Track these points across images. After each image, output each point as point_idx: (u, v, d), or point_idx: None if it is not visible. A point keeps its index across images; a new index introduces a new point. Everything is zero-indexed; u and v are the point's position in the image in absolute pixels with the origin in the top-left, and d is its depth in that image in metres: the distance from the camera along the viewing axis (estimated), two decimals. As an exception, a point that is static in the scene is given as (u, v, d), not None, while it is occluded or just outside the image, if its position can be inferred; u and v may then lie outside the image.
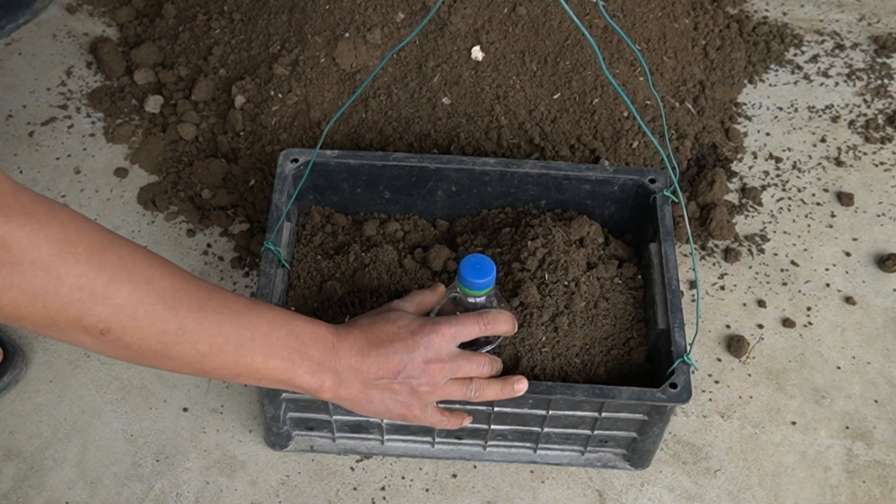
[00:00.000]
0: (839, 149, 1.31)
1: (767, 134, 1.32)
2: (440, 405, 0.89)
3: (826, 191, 1.26)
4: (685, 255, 1.18)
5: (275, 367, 0.77)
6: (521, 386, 0.88)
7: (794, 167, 1.28)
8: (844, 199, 1.25)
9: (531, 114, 1.20)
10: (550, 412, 0.93)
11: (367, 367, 0.81)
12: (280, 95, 1.23)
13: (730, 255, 1.19)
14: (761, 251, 1.20)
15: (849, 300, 1.16)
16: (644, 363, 0.98)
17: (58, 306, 0.65)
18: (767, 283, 1.17)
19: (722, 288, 1.17)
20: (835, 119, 1.34)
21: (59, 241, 0.64)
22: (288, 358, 0.78)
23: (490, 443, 1.00)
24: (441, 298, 0.91)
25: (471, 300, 0.87)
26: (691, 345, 0.92)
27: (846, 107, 1.35)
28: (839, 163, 1.29)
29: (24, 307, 0.64)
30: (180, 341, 0.71)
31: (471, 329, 0.86)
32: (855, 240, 1.22)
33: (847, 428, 1.06)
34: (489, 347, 0.91)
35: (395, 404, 0.84)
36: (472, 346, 0.89)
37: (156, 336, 0.70)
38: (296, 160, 1.05)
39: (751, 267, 1.19)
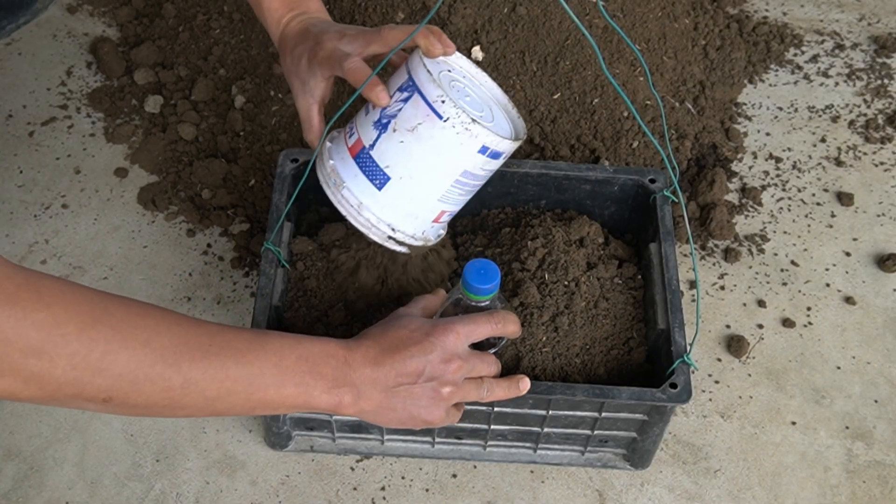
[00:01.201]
0: (839, 149, 1.31)
1: (767, 134, 1.32)
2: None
3: (826, 191, 1.26)
4: (685, 255, 1.18)
5: (289, 394, 0.77)
6: (524, 384, 0.88)
7: (794, 167, 1.28)
8: (844, 199, 1.25)
9: (531, 114, 1.20)
10: (550, 412, 0.93)
11: (385, 374, 0.80)
12: (280, 95, 1.23)
13: (730, 255, 1.19)
14: (761, 251, 1.20)
15: (849, 300, 1.16)
16: (644, 363, 0.98)
17: (54, 386, 0.65)
18: (767, 283, 1.17)
19: (722, 288, 1.17)
20: (835, 119, 1.34)
21: (46, 325, 0.63)
22: (301, 382, 0.77)
23: (490, 443, 1.00)
24: (443, 302, 0.91)
25: (475, 305, 0.87)
26: (691, 345, 0.92)
27: (846, 107, 1.35)
28: (839, 163, 1.29)
29: (19, 392, 0.64)
30: (187, 393, 0.71)
31: (484, 328, 0.86)
32: (855, 240, 1.22)
33: (847, 428, 1.06)
34: (492, 350, 0.91)
35: (419, 409, 0.83)
36: (476, 348, 0.89)
37: (161, 394, 0.70)
38: (296, 160, 1.05)
39: (751, 267, 1.19)
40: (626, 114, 1.20)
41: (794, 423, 1.07)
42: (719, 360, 1.11)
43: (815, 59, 1.41)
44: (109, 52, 1.35)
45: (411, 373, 0.81)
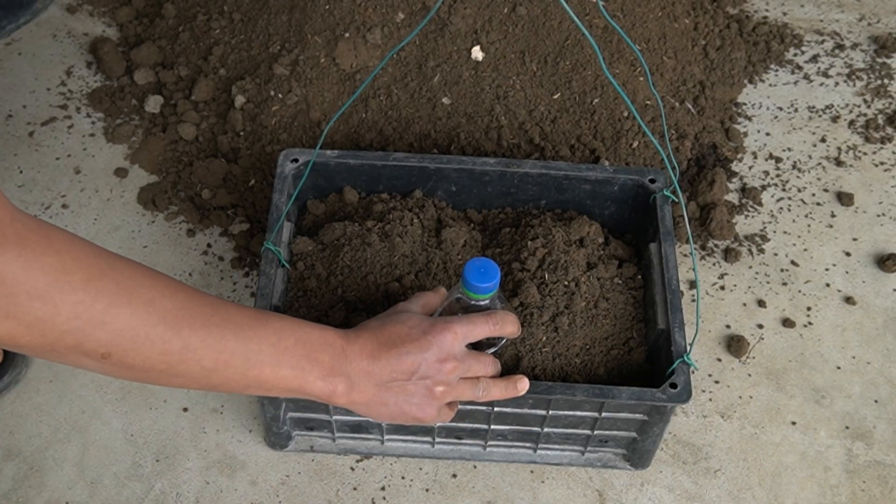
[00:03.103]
0: (839, 149, 1.31)
1: (767, 134, 1.32)
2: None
3: (826, 191, 1.26)
4: (685, 255, 1.18)
5: (284, 375, 0.77)
6: (523, 385, 0.88)
7: (794, 167, 1.28)
8: (844, 199, 1.25)
9: (531, 114, 1.20)
10: (550, 412, 0.93)
11: (380, 369, 0.81)
12: (280, 95, 1.23)
13: (730, 255, 1.19)
14: (761, 251, 1.20)
15: (849, 300, 1.16)
16: (644, 363, 0.98)
17: (56, 334, 0.65)
18: (767, 283, 1.17)
19: (722, 288, 1.17)
20: (835, 119, 1.34)
21: (54, 270, 0.63)
22: (297, 365, 0.77)
23: (490, 443, 1.00)
24: (443, 299, 0.91)
25: (474, 303, 0.87)
26: (691, 345, 0.92)
27: (846, 107, 1.35)
28: (839, 163, 1.29)
29: (21, 336, 0.64)
30: (185, 359, 0.71)
31: (481, 329, 0.86)
32: (855, 240, 1.22)
33: (847, 428, 1.06)
34: (492, 350, 0.91)
35: (410, 406, 0.83)
36: (475, 347, 0.89)
37: (159, 356, 0.70)
38: (296, 160, 1.05)
39: (751, 267, 1.19)
40: (626, 114, 1.20)
41: (794, 423, 1.07)
42: (719, 360, 1.11)
43: (815, 59, 1.41)
44: (109, 52, 1.35)
45: (406, 370, 0.81)
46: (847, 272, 1.19)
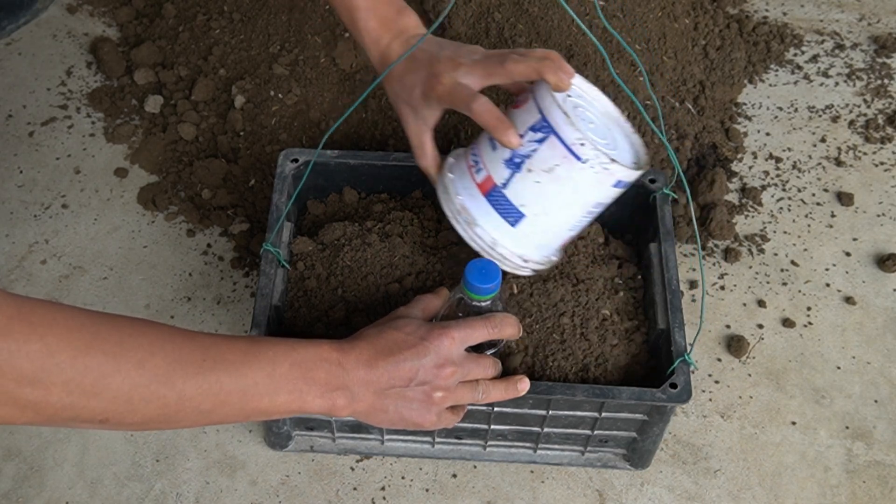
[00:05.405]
0: (839, 149, 1.31)
1: (767, 134, 1.32)
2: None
3: (826, 191, 1.26)
4: (685, 255, 1.18)
5: (282, 401, 0.77)
6: (523, 385, 0.88)
7: (794, 167, 1.28)
8: (844, 199, 1.25)
9: (531, 114, 1.20)
10: (550, 412, 0.93)
11: (378, 377, 0.81)
12: (280, 95, 1.23)
13: (730, 255, 1.19)
14: (761, 251, 1.20)
15: (849, 300, 1.16)
16: (644, 363, 0.98)
17: (51, 412, 0.66)
18: (767, 283, 1.17)
19: (722, 288, 1.17)
20: (835, 119, 1.34)
21: (40, 355, 0.64)
22: (294, 390, 0.78)
23: (490, 443, 1.00)
24: (445, 301, 0.91)
25: (476, 304, 0.87)
26: (692, 344, 0.92)
27: (846, 107, 1.35)
28: (839, 163, 1.29)
29: (17, 418, 0.65)
30: (182, 408, 0.72)
31: (479, 333, 0.86)
32: (855, 240, 1.22)
33: (847, 428, 1.06)
34: (492, 350, 0.91)
35: (410, 412, 0.83)
36: (475, 349, 0.89)
37: (156, 411, 0.71)
38: (296, 160, 1.05)
39: (751, 267, 1.19)
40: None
41: (794, 423, 1.07)
42: (719, 360, 1.11)
43: (815, 59, 1.41)
44: (109, 52, 1.35)
45: (403, 376, 0.81)
46: (847, 272, 1.19)
